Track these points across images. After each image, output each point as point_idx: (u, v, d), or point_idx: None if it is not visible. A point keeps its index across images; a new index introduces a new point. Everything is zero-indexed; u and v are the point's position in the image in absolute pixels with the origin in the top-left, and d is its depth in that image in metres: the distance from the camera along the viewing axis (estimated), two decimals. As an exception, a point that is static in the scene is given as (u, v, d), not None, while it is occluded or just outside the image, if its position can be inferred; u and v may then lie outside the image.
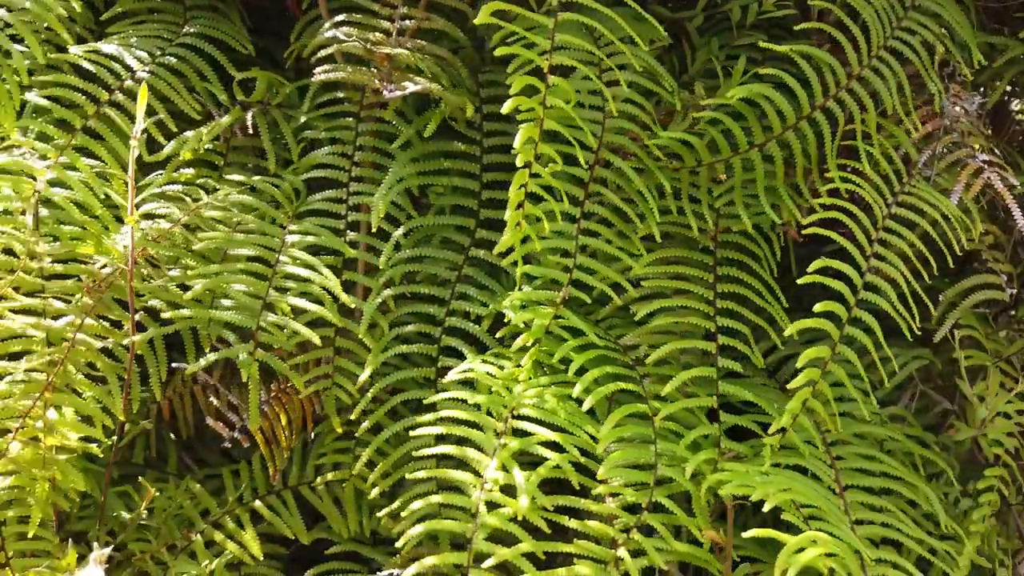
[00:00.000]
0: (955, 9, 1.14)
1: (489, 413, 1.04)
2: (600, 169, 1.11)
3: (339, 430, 1.17)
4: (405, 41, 1.15)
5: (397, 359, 1.17)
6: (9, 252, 1.08)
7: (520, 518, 0.94)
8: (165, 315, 1.09)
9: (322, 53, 1.16)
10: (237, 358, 1.09)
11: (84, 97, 1.16)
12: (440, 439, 1.06)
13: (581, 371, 1.04)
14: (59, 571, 1.07)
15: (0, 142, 1.14)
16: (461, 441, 1.02)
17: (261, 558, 1.16)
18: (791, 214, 1.13)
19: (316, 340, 1.10)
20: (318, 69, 1.15)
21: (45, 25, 1.18)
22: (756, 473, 0.98)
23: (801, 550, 0.86)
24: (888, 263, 1.06)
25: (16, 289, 1.07)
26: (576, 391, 1.02)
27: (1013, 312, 1.26)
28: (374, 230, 1.16)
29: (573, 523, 0.97)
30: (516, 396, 1.03)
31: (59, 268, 1.10)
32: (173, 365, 1.13)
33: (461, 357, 1.14)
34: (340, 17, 1.17)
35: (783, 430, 1.02)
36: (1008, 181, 1.09)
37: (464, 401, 1.05)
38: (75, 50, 1.18)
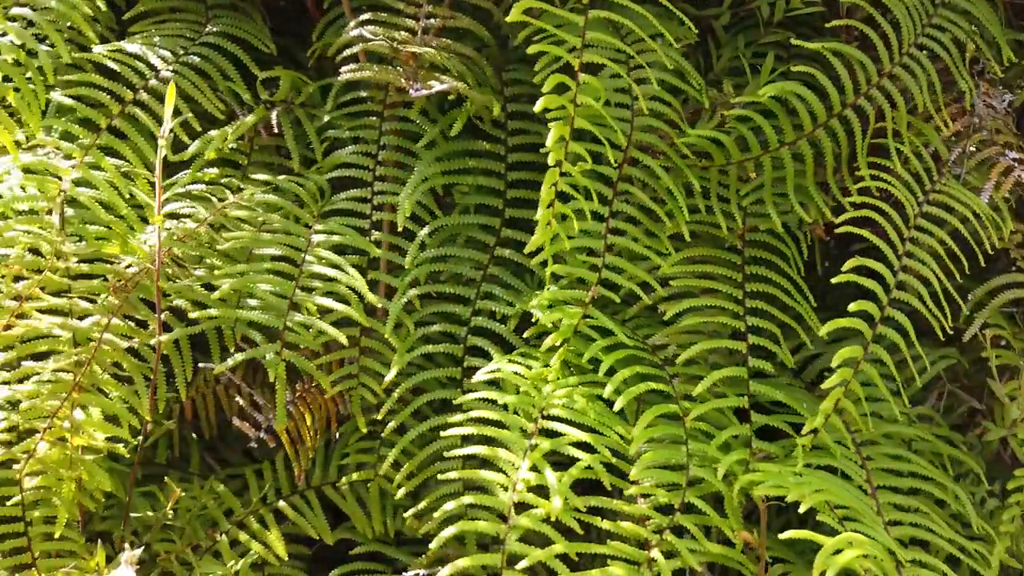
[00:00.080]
0: (985, 6, 1.13)
1: (517, 413, 1.03)
2: (628, 167, 1.10)
3: (364, 430, 1.16)
4: (430, 40, 1.15)
5: (422, 359, 1.17)
6: (36, 252, 1.08)
7: (553, 519, 0.94)
8: (192, 315, 1.09)
9: (347, 52, 1.16)
10: (263, 358, 1.09)
11: (109, 96, 1.16)
12: (468, 439, 1.06)
13: (611, 371, 1.04)
14: (86, 572, 1.07)
15: (25, 141, 1.13)
16: (491, 441, 1.01)
17: (286, 558, 1.16)
18: (819, 213, 1.12)
19: (343, 340, 1.09)
20: (344, 68, 1.14)
21: (68, 24, 1.17)
22: (789, 474, 0.97)
23: (838, 551, 0.86)
24: (919, 262, 1.06)
25: (42, 289, 1.07)
26: (607, 391, 1.02)
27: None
28: (399, 229, 1.16)
29: (606, 524, 0.97)
30: (545, 396, 1.02)
31: (85, 268, 1.09)
32: (200, 365, 1.13)
33: (487, 357, 1.14)
34: (365, 16, 1.16)
35: (815, 430, 1.02)
36: (1039, 179, 1.08)
37: (493, 401, 1.04)
38: (99, 49, 1.17)
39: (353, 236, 1.16)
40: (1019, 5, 1.24)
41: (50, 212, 1.09)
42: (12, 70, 1.11)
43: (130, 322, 1.09)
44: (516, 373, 1.07)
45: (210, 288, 1.10)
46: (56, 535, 1.08)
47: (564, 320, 1.06)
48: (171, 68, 1.19)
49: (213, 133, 1.19)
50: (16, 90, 1.11)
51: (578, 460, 0.98)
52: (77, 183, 1.11)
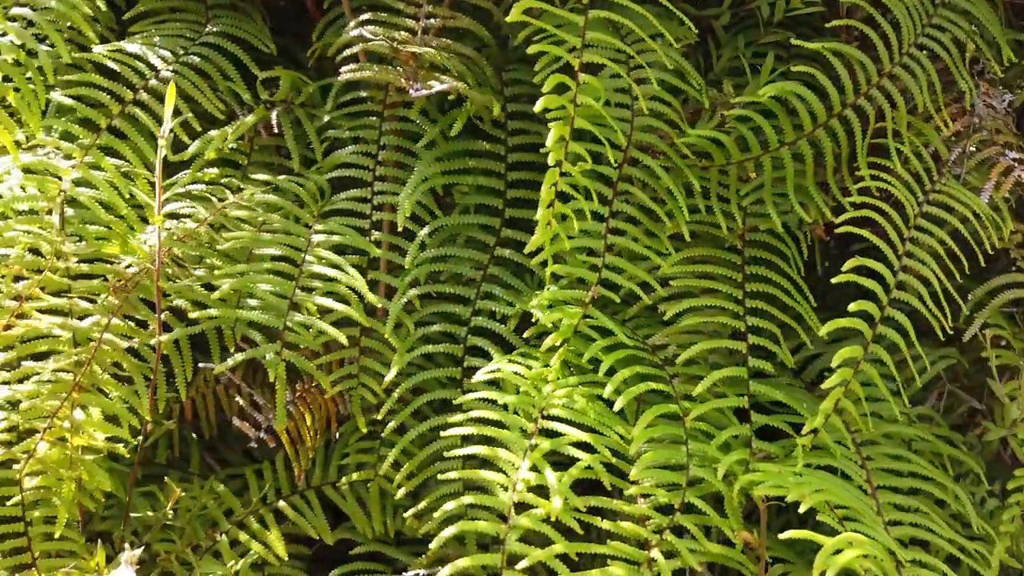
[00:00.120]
0: (985, 6, 1.13)
1: (517, 413, 1.03)
2: (628, 167, 1.10)
3: (364, 430, 1.16)
4: (430, 40, 1.15)
5: (422, 359, 1.17)
6: (36, 252, 1.08)
7: (553, 519, 0.94)
8: (192, 315, 1.09)
9: (347, 52, 1.16)
10: (263, 358, 1.09)
11: (109, 96, 1.16)
12: (468, 439, 1.06)
13: (611, 371, 1.04)
14: (86, 572, 1.06)
15: (25, 141, 1.13)
16: (491, 441, 1.01)
17: (286, 558, 1.16)
18: (819, 213, 1.12)
19: (343, 340, 1.09)
20: (344, 68, 1.14)
21: (68, 24, 1.17)
22: (789, 474, 0.97)
23: (838, 551, 0.86)
24: (920, 262, 1.06)
25: (42, 289, 1.07)
26: (607, 392, 1.02)
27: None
28: (400, 229, 1.16)
29: (606, 524, 0.97)
30: (545, 396, 1.02)
31: (85, 268, 1.09)
32: (200, 365, 1.13)
33: (487, 357, 1.14)
34: (365, 16, 1.16)
35: (815, 430, 1.02)
36: (1039, 179, 1.08)
37: (493, 401, 1.04)
38: (99, 49, 1.17)
39: (353, 236, 1.16)
40: (1019, 5, 1.25)
41: (50, 212, 1.09)
42: (12, 70, 1.11)
43: (130, 322, 1.09)
44: (516, 373, 1.07)
45: (210, 288, 1.10)
46: (56, 535, 1.07)
47: (564, 320, 1.06)
48: (171, 68, 1.19)
49: (213, 133, 1.19)
50: (16, 90, 1.11)
51: (578, 460, 0.98)
52: (77, 183, 1.11)
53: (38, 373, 1.05)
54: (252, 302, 1.11)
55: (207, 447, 1.30)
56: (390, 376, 1.14)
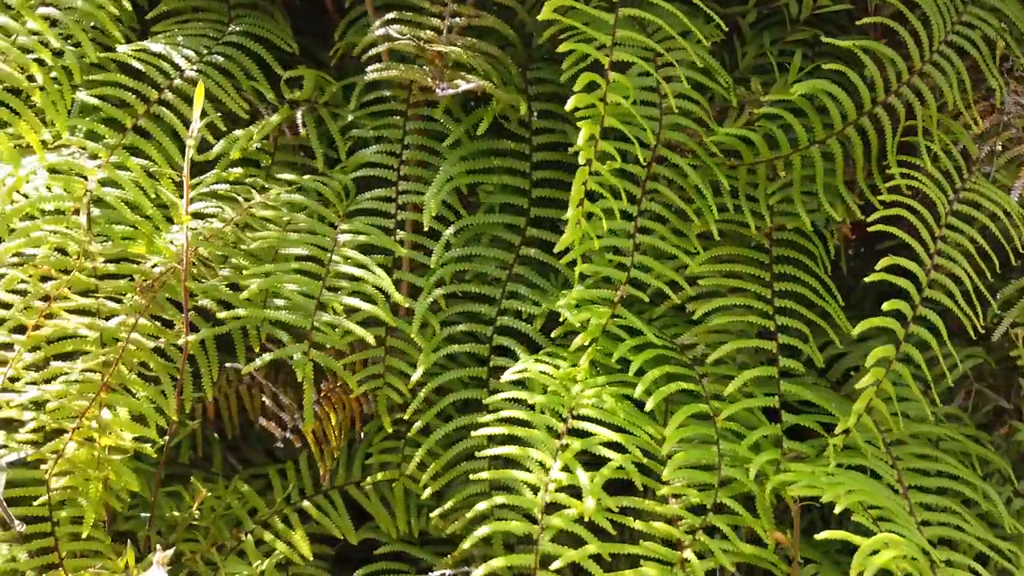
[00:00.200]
0: (1015, 4, 1.13)
1: (545, 413, 1.03)
2: (657, 166, 1.10)
3: (390, 429, 1.16)
4: (456, 38, 1.14)
5: (448, 359, 1.16)
6: (62, 252, 1.08)
7: (586, 519, 0.93)
8: (220, 315, 1.09)
9: (372, 52, 1.15)
10: (290, 358, 1.08)
11: (134, 96, 1.16)
12: (495, 439, 1.06)
13: (640, 371, 1.03)
14: (113, 572, 1.06)
15: (51, 141, 1.13)
16: (519, 441, 1.01)
17: (311, 558, 1.16)
18: (846, 211, 1.12)
19: (371, 340, 1.09)
20: (369, 67, 1.14)
21: (92, 24, 1.17)
22: (822, 474, 0.97)
23: (875, 552, 0.85)
24: (951, 260, 1.05)
25: (69, 289, 1.06)
26: (637, 392, 1.01)
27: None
28: (426, 229, 1.15)
29: (638, 524, 0.97)
30: (574, 396, 1.02)
31: (111, 268, 1.09)
32: (227, 365, 1.12)
33: (513, 356, 1.13)
34: (391, 15, 1.16)
35: (847, 430, 1.01)
36: (1068, 178, 1.08)
37: (521, 401, 1.04)
38: (123, 49, 1.17)
39: (379, 235, 1.16)
40: (1046, 2, 1.24)
41: (77, 212, 1.09)
42: (39, 70, 1.11)
43: (156, 322, 1.09)
44: (544, 373, 1.06)
45: (236, 288, 1.10)
46: (83, 535, 1.07)
47: (592, 320, 1.05)
48: (195, 68, 1.19)
49: (238, 133, 1.19)
50: (42, 89, 1.11)
51: (608, 460, 0.98)
52: (103, 183, 1.11)
53: (66, 373, 1.05)
54: (279, 302, 1.10)
55: (229, 447, 1.30)
56: (416, 376, 1.13)
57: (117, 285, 1.09)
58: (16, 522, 1.04)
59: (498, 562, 0.93)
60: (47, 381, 1.05)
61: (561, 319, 1.10)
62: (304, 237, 1.13)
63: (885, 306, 0.99)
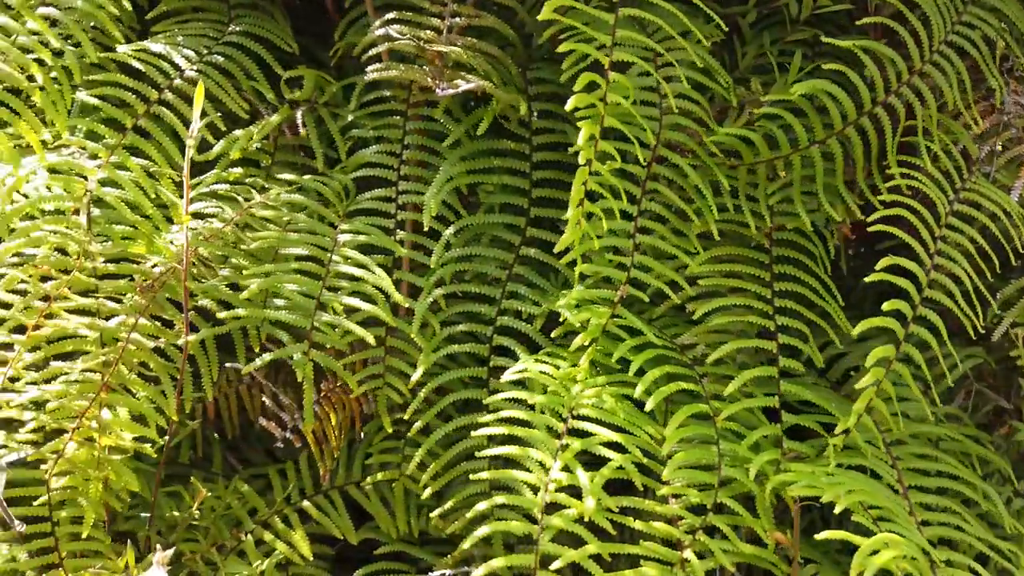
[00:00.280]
0: (1015, 4, 1.13)
1: (545, 413, 1.03)
2: (657, 166, 1.10)
3: (390, 429, 1.16)
4: (456, 38, 1.14)
5: (448, 359, 1.16)
6: (62, 252, 1.08)
7: (587, 519, 0.94)
8: (220, 315, 1.09)
9: (372, 52, 1.15)
10: (290, 358, 1.08)
11: (134, 96, 1.16)
12: (495, 439, 1.06)
13: (640, 371, 1.03)
14: (113, 572, 1.06)
15: (51, 141, 1.13)
16: (519, 441, 1.01)
17: (311, 558, 1.16)
18: (847, 211, 1.12)
19: (371, 340, 1.09)
20: (369, 67, 1.14)
21: (92, 24, 1.17)
22: (822, 474, 0.97)
23: (875, 552, 0.85)
24: (951, 260, 1.05)
25: (69, 289, 1.06)
26: (637, 392, 1.01)
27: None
28: (426, 229, 1.15)
29: (638, 524, 0.97)
30: (574, 396, 1.02)
31: (112, 268, 1.09)
32: (227, 365, 1.13)
33: (513, 356, 1.14)
34: (391, 15, 1.16)
35: (847, 430, 1.01)
36: (1068, 178, 1.08)
37: (521, 401, 1.04)
38: (123, 49, 1.17)
39: (379, 235, 1.16)
40: (1046, 2, 1.24)
41: (77, 212, 1.09)
42: (39, 70, 1.11)
43: (156, 322, 1.09)
44: (544, 373, 1.06)
45: (236, 288, 1.10)
46: (83, 535, 1.07)
47: (592, 320, 1.05)
48: (195, 68, 1.19)
49: (238, 133, 1.19)
50: (42, 89, 1.11)
51: (608, 460, 0.98)
52: (103, 183, 1.11)
53: (66, 373, 1.05)
54: (279, 302, 1.10)
55: (229, 447, 1.30)
56: (416, 376, 1.13)
57: (117, 285, 1.09)
58: (16, 522, 1.04)
59: (498, 562, 0.93)
60: (47, 381, 1.05)
61: (561, 319, 1.10)
62: (304, 237, 1.13)
63: (885, 306, 0.99)
